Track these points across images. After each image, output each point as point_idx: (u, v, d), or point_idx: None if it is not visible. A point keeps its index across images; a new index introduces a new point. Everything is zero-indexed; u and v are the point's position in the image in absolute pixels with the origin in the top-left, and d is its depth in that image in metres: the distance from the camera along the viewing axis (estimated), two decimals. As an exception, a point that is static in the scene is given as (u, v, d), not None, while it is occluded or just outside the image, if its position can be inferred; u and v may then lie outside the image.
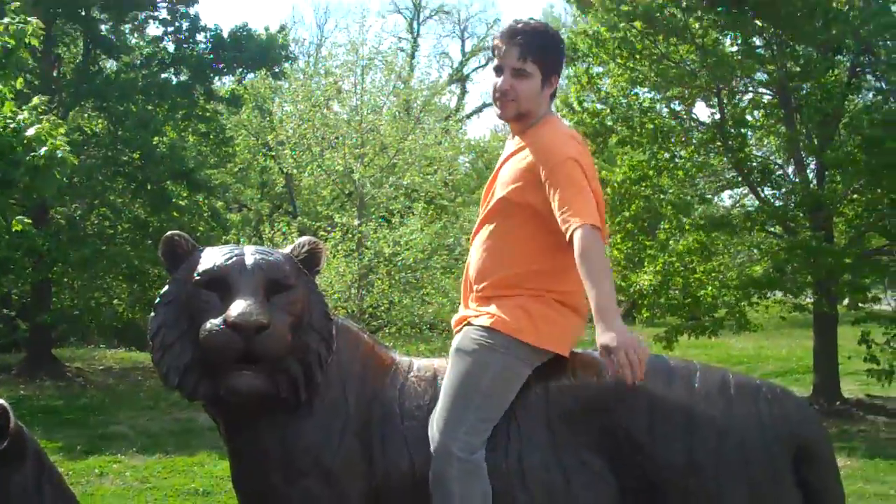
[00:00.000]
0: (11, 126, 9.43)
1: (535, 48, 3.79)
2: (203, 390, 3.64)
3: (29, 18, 10.24)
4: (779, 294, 15.27)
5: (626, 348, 3.29)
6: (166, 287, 3.77)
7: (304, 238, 3.93)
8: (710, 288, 14.76)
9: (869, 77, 14.98)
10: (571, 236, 3.51)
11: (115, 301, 19.95)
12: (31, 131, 9.22)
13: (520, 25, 3.84)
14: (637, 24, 14.32)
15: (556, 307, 3.79)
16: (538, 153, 3.73)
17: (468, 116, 39.99)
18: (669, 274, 14.55)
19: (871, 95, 15.26)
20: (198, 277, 3.64)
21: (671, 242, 14.93)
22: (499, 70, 3.85)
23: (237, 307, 3.44)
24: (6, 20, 10.24)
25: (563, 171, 3.63)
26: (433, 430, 3.65)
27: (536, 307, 3.76)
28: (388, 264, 17.27)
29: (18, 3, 16.44)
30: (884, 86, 14.37)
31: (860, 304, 14.32)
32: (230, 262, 3.64)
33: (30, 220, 10.70)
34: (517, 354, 3.72)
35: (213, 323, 3.48)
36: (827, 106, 13.82)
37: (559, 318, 3.79)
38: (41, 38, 11.05)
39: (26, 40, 10.18)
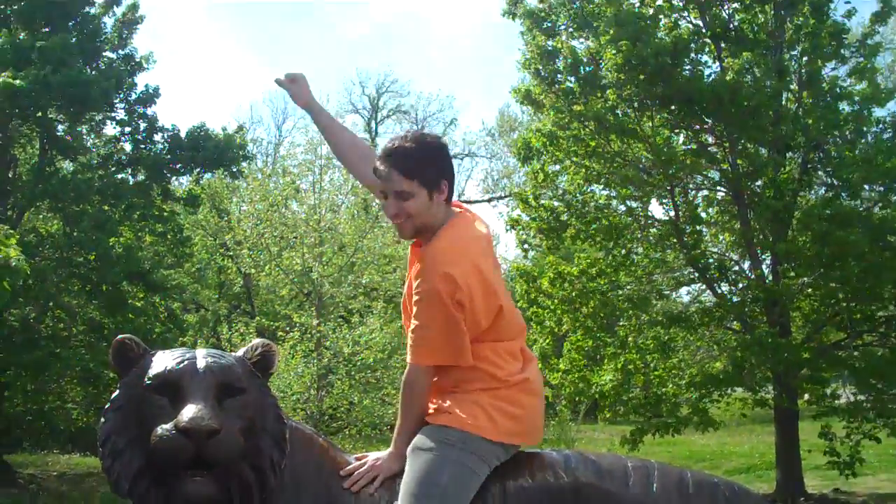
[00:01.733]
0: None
1: (411, 167, 3.80)
2: (154, 497, 3.54)
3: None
4: (739, 390, 15.30)
5: (372, 467, 3.82)
6: (116, 392, 3.70)
7: (258, 341, 3.88)
8: (671, 385, 14.78)
9: (820, 173, 15.23)
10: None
11: (70, 405, 19.61)
12: (-19, 241, 9.14)
13: (393, 145, 3.86)
14: (590, 123, 14.54)
15: (511, 397, 3.81)
16: (420, 271, 3.78)
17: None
18: (630, 372, 14.56)
19: (822, 191, 15.52)
20: (148, 382, 3.57)
21: (630, 339, 14.97)
22: (384, 194, 3.90)
23: (188, 412, 3.38)
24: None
25: (421, 301, 3.74)
26: None
27: (492, 402, 3.77)
28: (348, 364, 17.17)
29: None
30: (835, 182, 14.62)
31: (820, 399, 14.37)
32: (181, 365, 3.58)
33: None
34: (475, 450, 3.70)
35: (164, 428, 3.40)
36: (778, 203, 14.02)
37: (515, 408, 3.80)
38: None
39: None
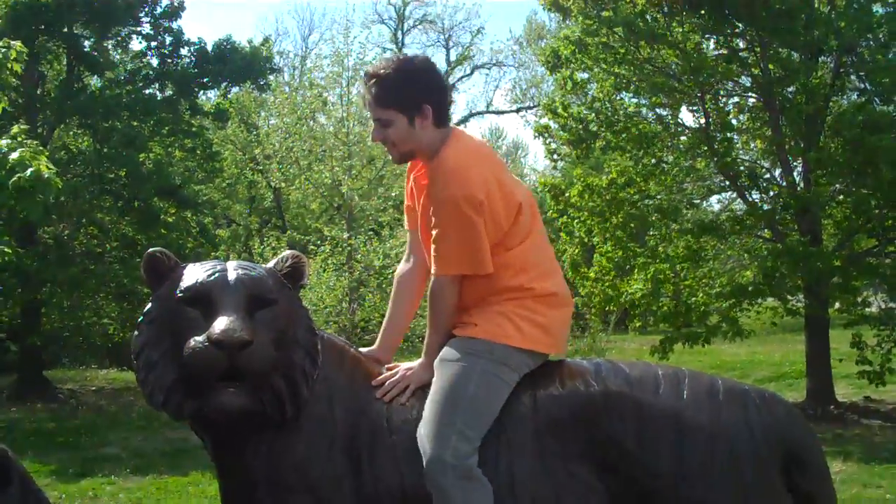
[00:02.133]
0: (-6, 151, 9.37)
1: (388, 93, 3.79)
2: (188, 409, 3.60)
3: (12, 43, 10.18)
4: (770, 299, 15.26)
5: (403, 377, 3.88)
6: (149, 305, 3.73)
7: (288, 252, 3.90)
8: (701, 295, 14.76)
9: (853, 78, 15.00)
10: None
11: (105, 321, 19.85)
12: (14, 155, 9.16)
13: (371, 72, 3.86)
14: (619, 30, 14.35)
15: (536, 307, 3.84)
16: (431, 186, 3.80)
17: (455, 125, 39.93)
18: (660, 282, 14.53)
19: (855, 96, 15.30)
20: (180, 294, 3.60)
21: (660, 249, 14.92)
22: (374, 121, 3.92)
23: (220, 324, 3.41)
24: (-12, 45, 10.19)
25: (440, 210, 3.74)
26: (422, 442, 3.62)
27: (517, 310, 3.81)
28: (379, 277, 17.24)
29: (0, 22, 16.49)
30: (867, 87, 14.40)
31: (851, 307, 14.33)
32: (212, 278, 3.60)
33: (10, 251, 10.63)
34: (502, 359, 3.74)
35: (197, 340, 3.44)
36: (809, 108, 13.84)
37: (541, 317, 3.84)
38: (24, 61, 10.99)
39: (9, 65, 10.13)
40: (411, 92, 3.80)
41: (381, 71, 3.80)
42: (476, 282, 3.82)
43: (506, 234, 3.79)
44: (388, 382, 3.86)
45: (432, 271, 3.83)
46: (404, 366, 3.96)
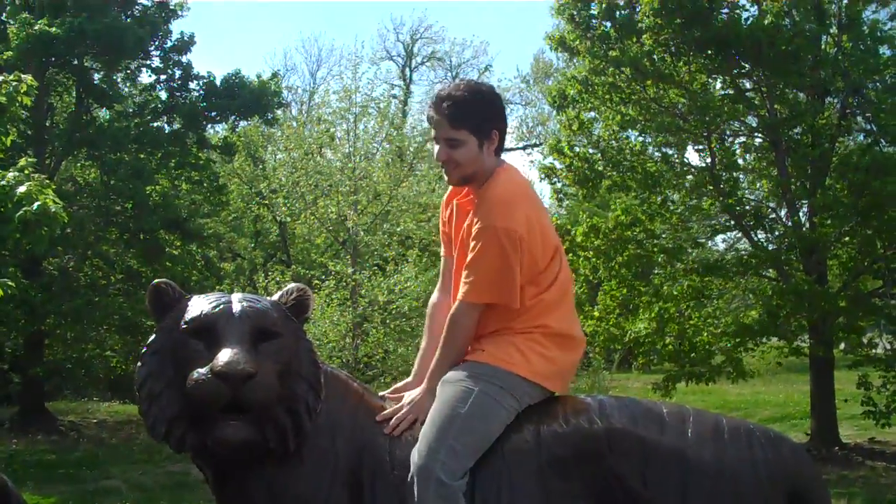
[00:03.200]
0: (1, 183, 9.40)
1: (463, 115, 3.81)
2: (190, 441, 3.58)
3: (22, 77, 10.24)
4: (774, 339, 15.23)
5: (410, 410, 3.82)
6: (153, 336, 3.73)
7: (293, 285, 3.89)
8: (705, 334, 14.73)
9: (859, 119, 15.04)
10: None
11: (108, 353, 19.84)
12: (21, 188, 9.19)
13: (445, 93, 3.86)
14: (626, 69, 14.40)
15: (547, 344, 3.84)
16: (476, 212, 3.81)
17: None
18: (664, 321, 14.51)
19: (861, 137, 15.33)
20: (185, 326, 3.60)
21: (665, 288, 14.90)
22: (437, 140, 3.90)
23: (224, 356, 3.40)
24: (0, 78, 10.24)
25: (480, 237, 3.75)
26: (412, 457, 3.62)
27: (528, 343, 3.81)
28: (383, 312, 17.21)
29: (11, 53, 16.59)
30: (874, 128, 14.42)
31: (856, 348, 14.29)
32: (217, 309, 3.60)
33: (12, 283, 10.63)
34: (503, 384, 3.73)
35: (200, 372, 3.43)
36: (815, 152, 13.88)
37: (550, 354, 3.83)
38: (34, 95, 11.05)
39: (19, 98, 10.19)
40: (485, 116, 3.85)
41: (456, 92, 3.83)
42: (495, 315, 3.82)
43: (539, 273, 3.81)
44: (394, 418, 3.83)
45: (458, 296, 3.83)
46: (407, 397, 3.93)
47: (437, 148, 3.90)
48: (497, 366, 3.75)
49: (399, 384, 4.16)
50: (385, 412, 3.87)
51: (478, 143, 3.83)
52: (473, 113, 3.82)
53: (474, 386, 3.72)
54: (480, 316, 3.83)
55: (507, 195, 3.76)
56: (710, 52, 14.42)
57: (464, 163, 3.85)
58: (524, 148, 43.91)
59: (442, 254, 4.27)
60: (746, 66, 14.66)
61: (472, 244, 3.78)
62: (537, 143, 41.88)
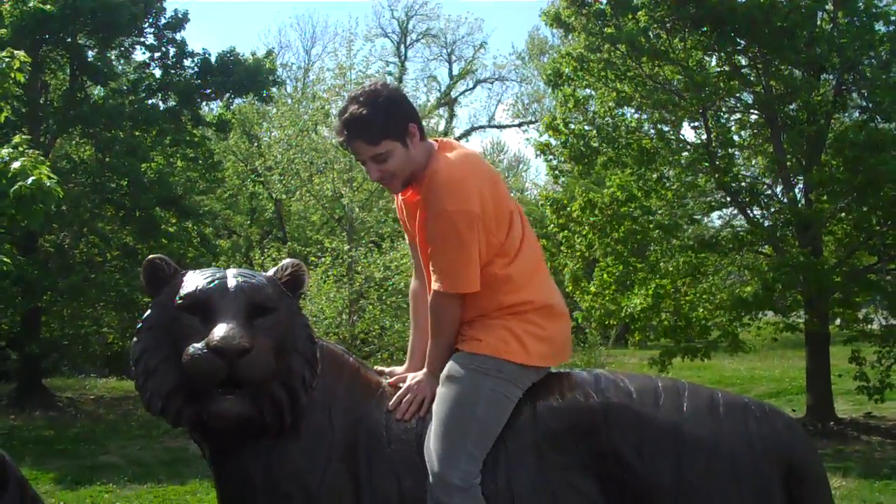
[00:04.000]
0: (-5, 159, 9.39)
1: (375, 128, 3.77)
2: (186, 415, 3.60)
3: (15, 53, 10.20)
4: (770, 315, 15.27)
5: (417, 392, 3.83)
6: (148, 312, 3.73)
7: (288, 261, 3.89)
8: (701, 310, 14.76)
9: (854, 96, 15.03)
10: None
11: (105, 329, 19.87)
12: (16, 164, 9.18)
13: (347, 117, 3.80)
14: (621, 46, 14.37)
15: (538, 320, 3.83)
16: (425, 201, 3.77)
17: (457, 139, 39.90)
18: (660, 296, 14.53)
19: (856, 114, 15.32)
20: (179, 301, 3.60)
21: (661, 264, 14.92)
22: (363, 162, 3.87)
23: (219, 331, 3.40)
24: (-8, 55, 10.21)
25: (435, 225, 3.72)
26: (430, 460, 3.62)
27: (521, 325, 3.80)
28: (379, 289, 17.23)
29: (5, 31, 16.53)
30: (869, 104, 14.41)
31: (852, 323, 14.34)
32: (212, 285, 3.60)
33: (8, 259, 10.65)
34: (508, 377, 3.73)
35: (196, 347, 3.43)
36: (810, 128, 13.87)
37: (544, 331, 3.83)
38: (27, 71, 11.01)
39: (12, 74, 10.16)
40: (394, 119, 3.78)
41: (357, 112, 3.76)
42: (478, 295, 3.80)
43: (502, 244, 3.80)
44: (403, 402, 3.84)
45: (433, 286, 3.81)
46: (410, 378, 3.93)
47: (368, 169, 3.86)
48: (499, 357, 3.74)
49: (397, 372, 4.15)
50: (394, 400, 3.85)
51: (402, 146, 3.79)
52: (382, 122, 3.75)
53: (482, 383, 3.71)
54: (462, 299, 3.81)
55: (450, 175, 3.70)
56: (705, 28, 14.38)
57: (398, 170, 3.81)
58: (520, 125, 43.97)
59: (407, 241, 4.26)
60: (742, 42, 14.62)
61: (430, 234, 3.76)
62: (533, 120, 41.86)
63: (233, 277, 3.66)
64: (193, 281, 3.65)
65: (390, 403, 3.84)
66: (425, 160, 3.83)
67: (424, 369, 3.90)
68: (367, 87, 3.88)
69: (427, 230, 3.77)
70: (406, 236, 4.24)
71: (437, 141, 3.95)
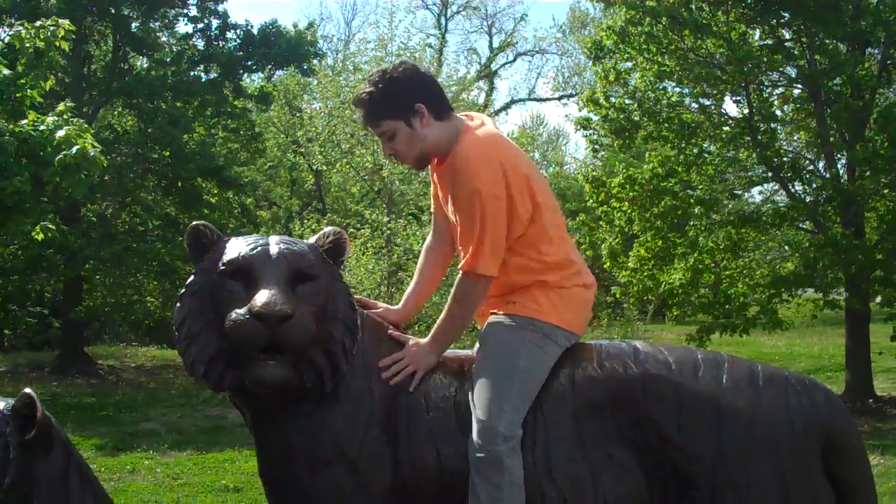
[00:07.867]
0: (41, 128, 9.48)
1: (375, 108, 3.86)
2: (228, 381, 3.63)
3: (60, 21, 10.28)
4: (810, 291, 15.17)
5: (411, 361, 3.82)
6: (192, 277, 3.77)
7: (329, 228, 3.91)
8: (740, 285, 14.68)
9: (900, 70, 14.84)
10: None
11: (147, 298, 20.06)
12: (60, 132, 9.27)
13: (356, 98, 3.92)
14: (663, 19, 14.26)
15: (566, 294, 3.88)
16: (453, 181, 3.80)
17: (496, 112, 39.83)
18: (699, 271, 14.46)
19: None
20: (222, 267, 3.63)
21: (701, 239, 14.84)
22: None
23: (261, 297, 3.44)
24: (38, 23, 10.29)
25: (464, 205, 3.75)
26: (475, 411, 3.65)
27: (551, 292, 3.85)
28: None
29: (54, 2, 16.67)
30: (915, 80, 14.24)
31: (893, 301, 14.22)
32: (255, 251, 3.63)
33: (53, 227, 10.74)
34: (544, 332, 3.78)
35: (238, 313, 3.47)
36: (856, 103, 13.70)
37: (571, 302, 3.88)
38: (71, 40, 11.09)
39: (57, 43, 10.23)
40: (397, 96, 3.83)
41: (364, 93, 3.87)
42: (507, 266, 3.84)
43: (528, 221, 3.81)
44: (395, 366, 3.85)
45: (463, 266, 3.81)
46: (411, 342, 3.94)
47: (382, 145, 3.99)
48: (531, 316, 3.79)
49: (389, 309, 4.21)
50: (386, 359, 3.87)
51: (405, 124, 3.84)
52: (383, 102, 3.83)
53: (521, 336, 3.76)
54: (490, 283, 3.84)
55: (476, 155, 3.72)
56: (748, 1, 14.24)
57: (404, 148, 3.89)
58: (560, 98, 43.67)
59: (432, 210, 4.29)
60: (786, 15, 14.46)
61: (459, 214, 3.79)
62: (573, 93, 41.60)
63: (275, 244, 3.69)
64: (236, 247, 3.69)
65: (381, 362, 3.85)
66: (448, 138, 3.85)
67: (428, 342, 3.91)
68: (381, 68, 3.97)
69: (456, 212, 3.82)
70: (432, 205, 4.28)
71: (468, 116, 3.97)
